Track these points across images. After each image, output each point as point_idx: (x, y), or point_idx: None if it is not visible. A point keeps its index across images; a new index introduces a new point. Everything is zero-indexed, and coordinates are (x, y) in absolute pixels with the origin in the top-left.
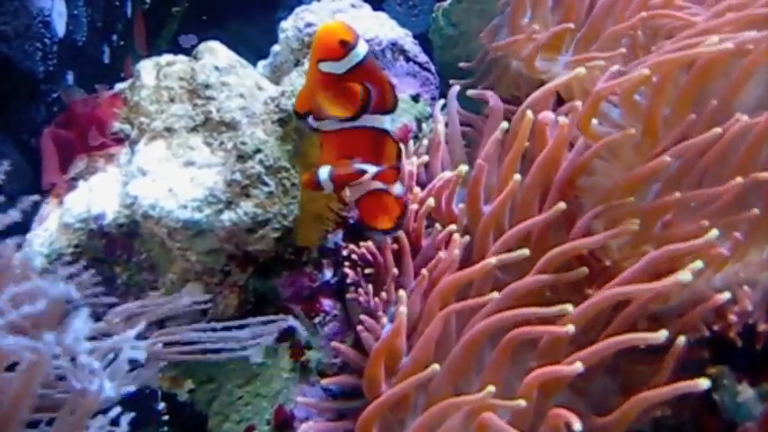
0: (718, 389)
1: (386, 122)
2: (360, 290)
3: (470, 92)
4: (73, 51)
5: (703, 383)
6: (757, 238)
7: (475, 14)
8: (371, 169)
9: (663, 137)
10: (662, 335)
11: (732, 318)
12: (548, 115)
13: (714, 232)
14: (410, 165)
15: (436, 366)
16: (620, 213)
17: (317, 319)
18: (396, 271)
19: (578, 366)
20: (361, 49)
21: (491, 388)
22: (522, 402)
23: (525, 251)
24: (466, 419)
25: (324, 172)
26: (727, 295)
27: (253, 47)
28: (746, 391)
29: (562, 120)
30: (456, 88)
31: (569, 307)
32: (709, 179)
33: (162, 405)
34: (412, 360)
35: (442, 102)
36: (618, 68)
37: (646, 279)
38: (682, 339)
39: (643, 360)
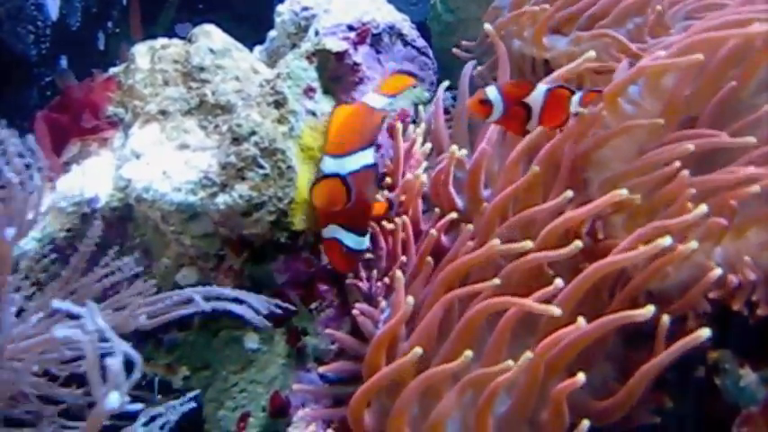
0: (720, 373)
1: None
2: (360, 275)
3: (473, 67)
4: (67, 36)
5: (704, 333)
6: (760, 219)
7: (473, 1)
8: None
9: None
10: (648, 310)
11: (733, 280)
12: None
13: (703, 207)
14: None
15: (419, 350)
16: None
17: (313, 305)
18: (404, 258)
19: (581, 322)
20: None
21: (468, 352)
22: (510, 362)
23: (529, 243)
24: (460, 395)
25: None
26: (719, 271)
27: (249, 35)
28: (749, 376)
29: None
30: (471, 65)
31: (559, 281)
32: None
33: (158, 396)
34: (411, 346)
35: (446, 83)
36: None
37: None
38: (666, 318)
39: (643, 347)
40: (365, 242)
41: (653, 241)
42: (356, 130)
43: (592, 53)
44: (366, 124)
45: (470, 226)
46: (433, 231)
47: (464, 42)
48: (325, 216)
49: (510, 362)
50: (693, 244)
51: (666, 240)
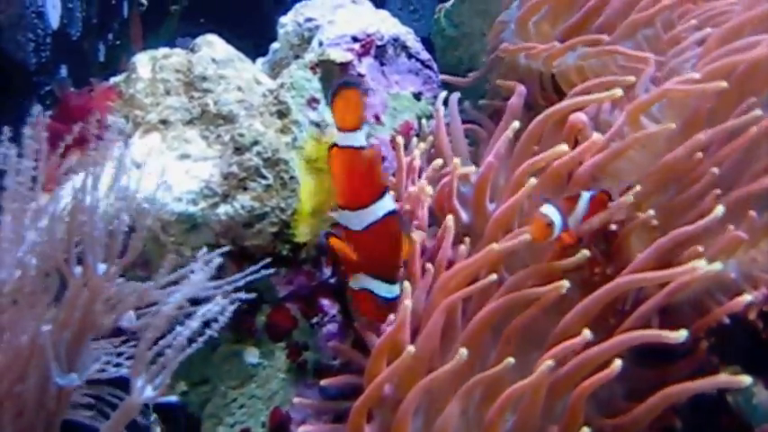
0: (732, 390)
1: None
2: None
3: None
4: (67, 45)
5: (746, 380)
6: None
7: (478, 15)
8: None
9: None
10: (681, 334)
11: (749, 297)
12: (580, 117)
13: (720, 209)
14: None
15: (411, 348)
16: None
17: (314, 319)
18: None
19: (587, 334)
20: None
21: (463, 350)
22: (512, 360)
23: (527, 236)
24: (463, 404)
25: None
26: (748, 298)
27: (250, 49)
28: (762, 393)
29: (596, 136)
30: (456, 95)
31: (566, 283)
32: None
33: (153, 417)
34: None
35: (443, 94)
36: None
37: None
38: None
39: (651, 364)
40: (397, 289)
41: (669, 251)
42: (365, 181)
43: (618, 91)
44: (368, 170)
45: (467, 239)
46: (414, 236)
47: (470, 74)
48: (352, 265)
49: (511, 359)
50: (717, 265)
51: (702, 263)
